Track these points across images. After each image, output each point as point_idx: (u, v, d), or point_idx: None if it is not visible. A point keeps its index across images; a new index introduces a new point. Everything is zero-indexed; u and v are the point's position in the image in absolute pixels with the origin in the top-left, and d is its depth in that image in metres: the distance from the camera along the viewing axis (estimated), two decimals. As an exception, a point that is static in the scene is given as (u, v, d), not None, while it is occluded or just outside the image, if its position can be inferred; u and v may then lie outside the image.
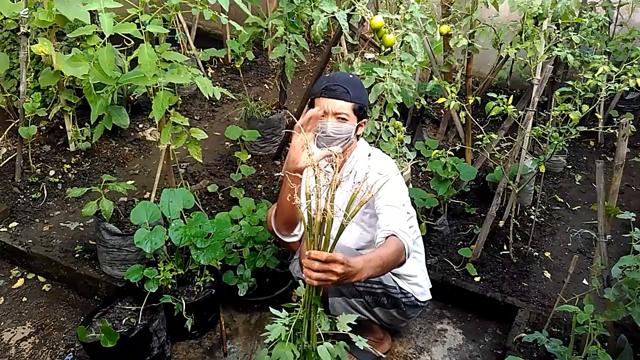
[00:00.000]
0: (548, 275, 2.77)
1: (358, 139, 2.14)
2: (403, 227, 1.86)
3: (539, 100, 2.67)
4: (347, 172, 2.11)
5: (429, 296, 2.24)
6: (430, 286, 2.26)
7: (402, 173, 2.23)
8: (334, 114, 1.98)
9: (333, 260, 1.43)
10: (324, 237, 1.40)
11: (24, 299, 2.61)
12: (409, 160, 2.68)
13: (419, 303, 2.19)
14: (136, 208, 2.34)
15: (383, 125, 2.60)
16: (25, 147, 3.28)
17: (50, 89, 3.23)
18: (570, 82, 2.61)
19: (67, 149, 3.41)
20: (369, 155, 2.08)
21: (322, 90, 2.00)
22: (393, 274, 2.13)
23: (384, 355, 2.32)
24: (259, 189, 3.24)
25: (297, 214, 2.03)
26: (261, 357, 1.51)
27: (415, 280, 2.18)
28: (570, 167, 3.76)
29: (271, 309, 1.54)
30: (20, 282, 2.70)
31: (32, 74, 3.23)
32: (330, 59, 3.49)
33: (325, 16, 2.44)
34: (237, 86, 4.41)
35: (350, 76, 2.08)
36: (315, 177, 1.40)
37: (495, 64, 3.41)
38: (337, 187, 1.38)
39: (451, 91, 2.75)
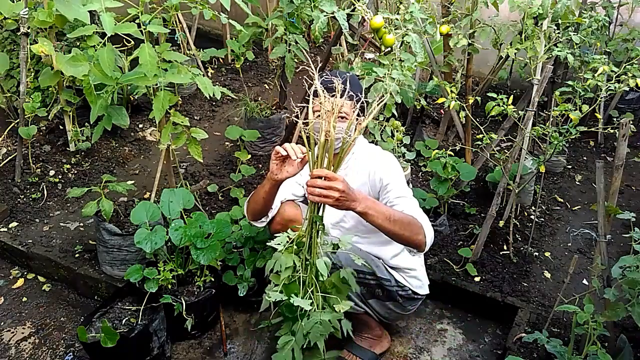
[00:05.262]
0: (548, 275, 2.77)
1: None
2: (422, 215, 1.90)
3: (539, 100, 2.67)
4: (344, 169, 2.11)
5: (426, 290, 2.24)
6: (428, 282, 2.27)
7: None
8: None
9: (334, 177, 1.58)
10: (326, 159, 1.57)
11: (24, 299, 2.61)
12: (407, 160, 2.68)
13: (415, 296, 2.20)
14: (136, 208, 2.34)
15: (382, 125, 2.60)
16: (25, 147, 3.28)
17: (50, 89, 3.23)
18: (570, 82, 2.61)
19: (67, 149, 3.41)
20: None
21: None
22: (391, 267, 2.13)
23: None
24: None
25: (266, 210, 2.10)
26: (268, 263, 1.64)
27: (414, 273, 2.19)
28: (570, 167, 3.76)
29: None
30: (20, 282, 2.70)
31: (32, 74, 3.23)
32: (330, 59, 3.49)
33: (325, 16, 2.44)
34: (237, 86, 4.41)
35: (346, 74, 2.09)
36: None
37: (495, 64, 3.41)
38: (339, 113, 1.58)
39: (451, 91, 2.75)
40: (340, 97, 1.99)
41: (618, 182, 1.94)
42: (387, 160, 2.09)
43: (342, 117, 2.00)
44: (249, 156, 3.47)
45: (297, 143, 3.44)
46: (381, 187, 2.01)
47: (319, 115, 2.03)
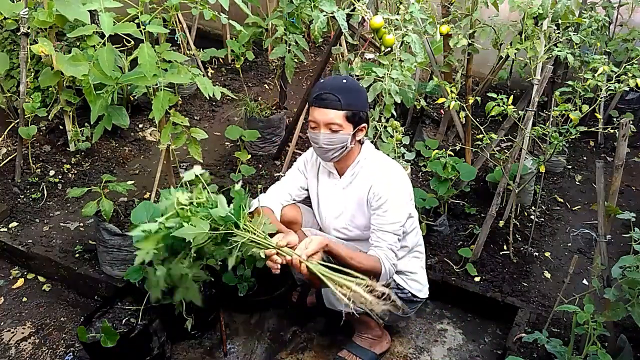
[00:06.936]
0: (548, 275, 2.77)
1: (362, 143, 2.09)
2: (390, 254, 1.92)
3: (539, 100, 2.67)
4: (351, 177, 2.10)
5: (426, 294, 2.24)
6: (428, 285, 2.27)
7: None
8: (325, 124, 1.94)
9: (313, 253, 1.72)
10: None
11: (24, 299, 2.61)
12: (407, 160, 2.67)
13: (415, 299, 2.19)
14: (136, 208, 2.34)
15: (382, 125, 2.60)
16: (25, 147, 3.28)
17: (50, 89, 3.22)
18: (570, 82, 2.61)
19: (67, 149, 3.41)
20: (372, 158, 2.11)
21: (314, 99, 1.95)
22: None
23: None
24: (259, 189, 3.24)
25: None
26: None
27: (415, 277, 2.19)
28: (570, 167, 3.76)
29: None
30: (20, 282, 2.70)
31: (32, 74, 3.23)
32: (330, 59, 3.49)
33: (325, 16, 2.44)
34: (237, 86, 4.41)
35: (344, 81, 1.99)
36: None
37: (495, 64, 3.40)
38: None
39: (451, 91, 2.75)
40: (331, 108, 1.97)
41: (618, 182, 1.94)
42: (393, 178, 2.03)
43: (335, 130, 1.94)
44: (249, 156, 3.47)
45: (296, 144, 3.43)
46: (376, 205, 2.00)
47: (314, 127, 2.01)
